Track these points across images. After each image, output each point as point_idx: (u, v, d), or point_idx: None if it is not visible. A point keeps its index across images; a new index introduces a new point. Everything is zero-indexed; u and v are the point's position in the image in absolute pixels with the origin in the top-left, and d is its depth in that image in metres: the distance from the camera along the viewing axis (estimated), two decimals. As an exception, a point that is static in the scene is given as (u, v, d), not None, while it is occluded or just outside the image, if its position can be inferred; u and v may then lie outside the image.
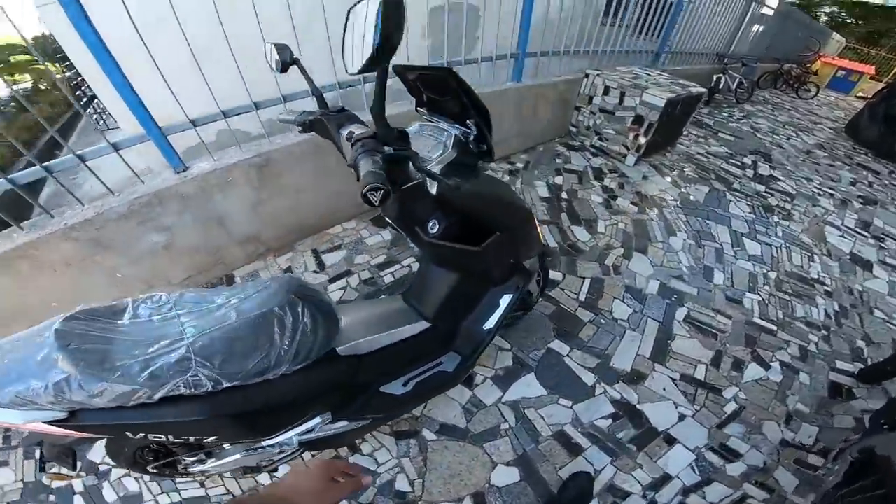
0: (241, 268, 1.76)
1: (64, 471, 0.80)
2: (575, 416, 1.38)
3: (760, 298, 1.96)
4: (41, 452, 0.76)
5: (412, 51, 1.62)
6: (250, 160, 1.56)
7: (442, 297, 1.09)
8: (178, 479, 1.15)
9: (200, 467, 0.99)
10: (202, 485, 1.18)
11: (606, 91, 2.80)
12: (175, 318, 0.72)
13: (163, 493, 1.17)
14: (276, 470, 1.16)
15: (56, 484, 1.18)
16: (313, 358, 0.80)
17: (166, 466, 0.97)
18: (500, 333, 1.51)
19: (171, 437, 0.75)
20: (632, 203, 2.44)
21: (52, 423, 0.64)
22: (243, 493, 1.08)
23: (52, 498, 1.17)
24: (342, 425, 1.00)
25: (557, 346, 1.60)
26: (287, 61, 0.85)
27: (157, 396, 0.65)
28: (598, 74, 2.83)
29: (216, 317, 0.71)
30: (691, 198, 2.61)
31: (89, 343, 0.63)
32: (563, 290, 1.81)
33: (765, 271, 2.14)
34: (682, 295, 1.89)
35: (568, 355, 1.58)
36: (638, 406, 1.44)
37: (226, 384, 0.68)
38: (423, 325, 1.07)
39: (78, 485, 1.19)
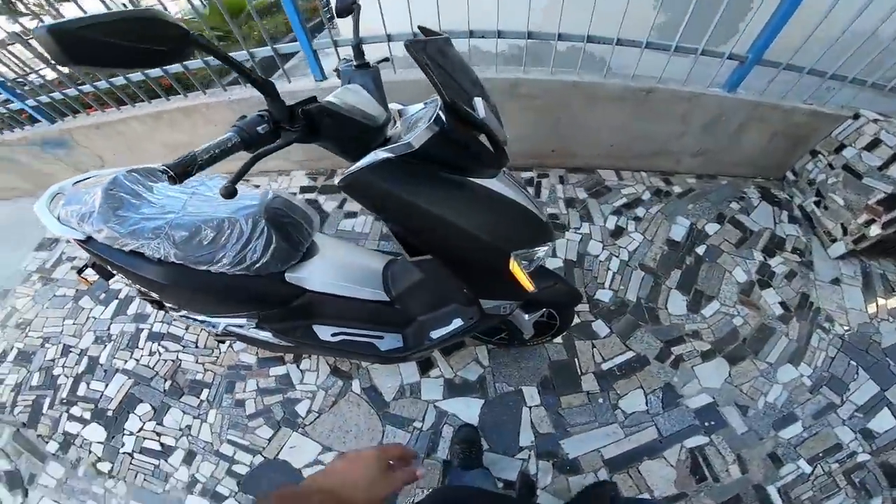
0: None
1: (90, 278, 1.29)
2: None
3: (804, 471, 1.46)
4: (86, 264, 1.27)
5: (630, 21, 1.71)
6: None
7: (408, 284, 1.17)
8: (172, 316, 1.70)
9: (176, 314, 1.45)
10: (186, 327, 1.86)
11: (873, 145, 1.98)
12: (189, 195, 1.09)
13: (162, 322, 1.93)
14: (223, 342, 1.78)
15: (81, 287, 2.09)
16: (256, 272, 1.06)
17: (159, 305, 1.45)
18: (491, 349, 1.66)
19: (137, 287, 1.14)
20: (782, 304, 1.88)
21: (77, 240, 1.12)
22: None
23: (102, 296, 2.09)
24: (265, 335, 1.30)
25: (529, 392, 1.64)
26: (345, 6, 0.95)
27: (127, 248, 1.06)
28: (877, 120, 1.98)
29: (207, 206, 1.05)
30: (875, 337, 1.81)
31: (122, 192, 1.07)
32: (594, 346, 1.75)
33: (860, 450, 1.50)
34: (722, 426, 1.56)
35: (530, 407, 1.61)
36: (538, 490, 1.42)
37: (174, 260, 1.04)
38: (381, 296, 1.17)
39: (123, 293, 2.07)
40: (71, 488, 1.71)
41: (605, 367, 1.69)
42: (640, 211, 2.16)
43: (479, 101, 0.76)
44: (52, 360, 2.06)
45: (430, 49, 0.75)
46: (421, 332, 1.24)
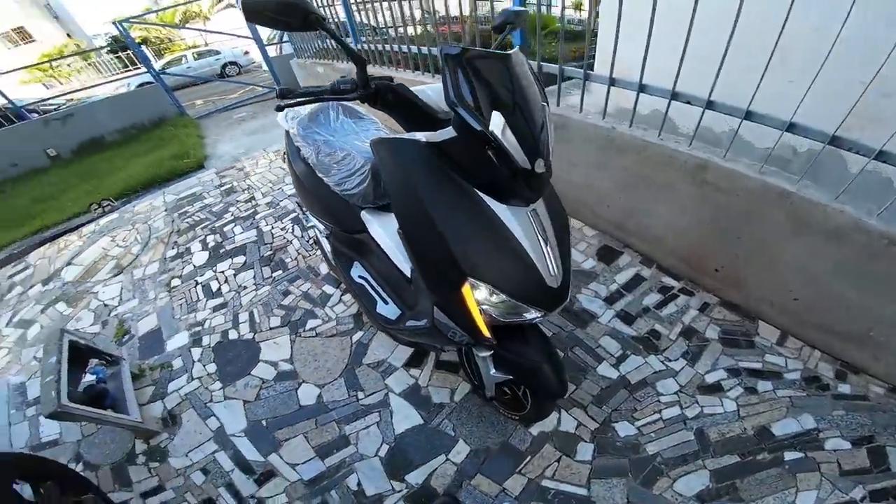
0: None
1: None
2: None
3: None
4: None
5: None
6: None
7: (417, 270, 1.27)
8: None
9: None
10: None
11: None
12: (355, 132, 1.60)
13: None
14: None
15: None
16: (345, 197, 1.42)
17: None
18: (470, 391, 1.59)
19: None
20: None
21: (285, 130, 1.69)
22: None
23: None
24: (327, 247, 1.74)
25: (460, 449, 1.49)
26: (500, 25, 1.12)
27: (297, 144, 1.63)
28: None
29: (356, 140, 1.57)
30: None
31: (321, 112, 1.66)
32: (559, 461, 1.42)
33: None
34: None
35: (448, 459, 1.47)
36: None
37: (312, 161, 1.54)
38: (406, 272, 1.28)
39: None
40: (143, 282, 2.47)
41: (544, 483, 1.38)
42: (764, 385, 1.56)
43: (496, 116, 0.79)
44: (237, 201, 2.98)
45: (474, 62, 0.82)
46: (405, 318, 1.32)
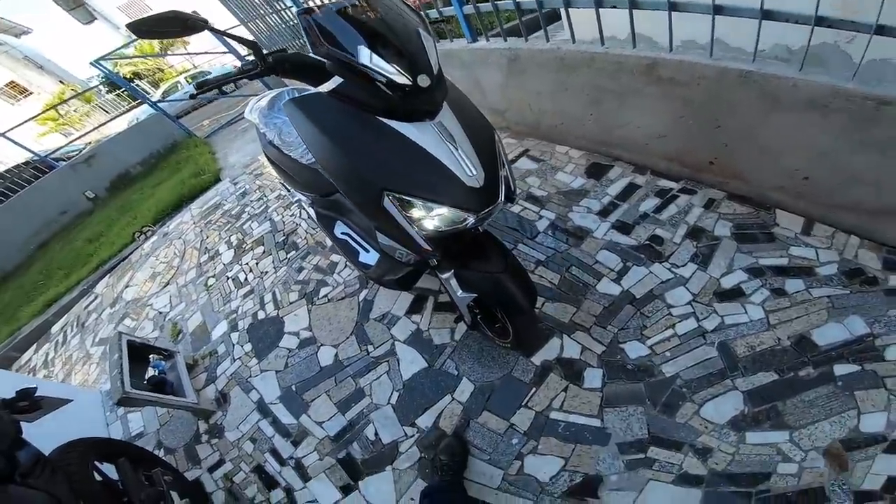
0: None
1: None
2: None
3: None
4: None
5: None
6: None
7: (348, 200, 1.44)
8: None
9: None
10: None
11: None
12: None
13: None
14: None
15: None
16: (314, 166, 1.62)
17: None
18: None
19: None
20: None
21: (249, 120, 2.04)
22: None
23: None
24: (312, 213, 1.97)
25: (464, 388, 1.63)
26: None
27: (262, 130, 1.95)
28: None
29: None
30: None
31: (279, 99, 1.90)
32: (566, 390, 1.50)
33: None
34: None
35: (454, 398, 1.62)
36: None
37: (276, 143, 1.78)
38: None
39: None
40: (186, 287, 2.93)
41: (552, 416, 1.45)
42: (795, 284, 1.46)
43: (361, 49, 0.92)
44: (251, 202, 3.41)
45: (330, 13, 0.97)
46: (382, 261, 1.51)
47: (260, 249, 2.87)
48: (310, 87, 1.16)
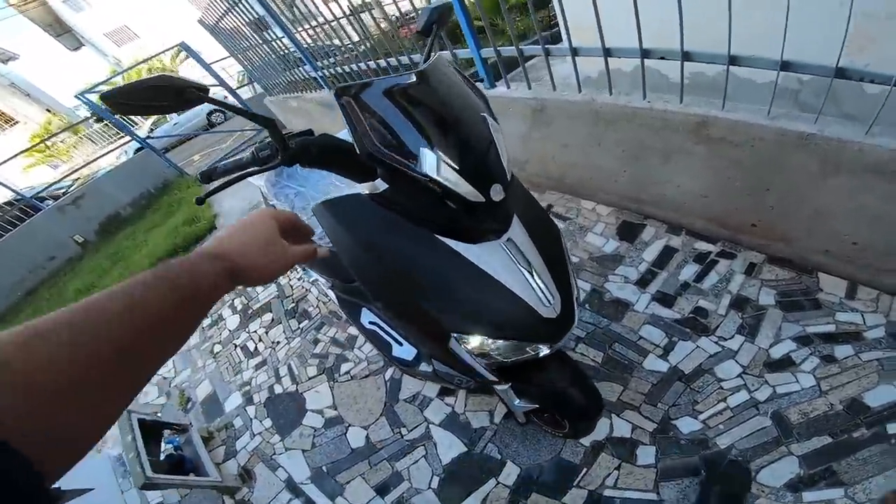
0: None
1: None
2: None
3: None
4: None
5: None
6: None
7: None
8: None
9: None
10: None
11: None
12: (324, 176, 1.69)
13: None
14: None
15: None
16: None
17: None
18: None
19: None
20: None
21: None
22: None
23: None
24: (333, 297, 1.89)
25: (510, 471, 1.60)
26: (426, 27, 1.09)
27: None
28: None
29: (330, 186, 1.63)
30: None
31: None
32: (619, 468, 1.48)
33: None
34: None
35: (499, 483, 1.59)
36: None
37: None
38: None
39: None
40: (189, 352, 2.88)
41: (606, 493, 1.46)
42: (844, 350, 1.51)
43: (425, 153, 0.77)
44: None
45: (379, 95, 0.81)
46: (421, 358, 1.41)
47: (268, 317, 2.84)
48: (344, 173, 0.94)
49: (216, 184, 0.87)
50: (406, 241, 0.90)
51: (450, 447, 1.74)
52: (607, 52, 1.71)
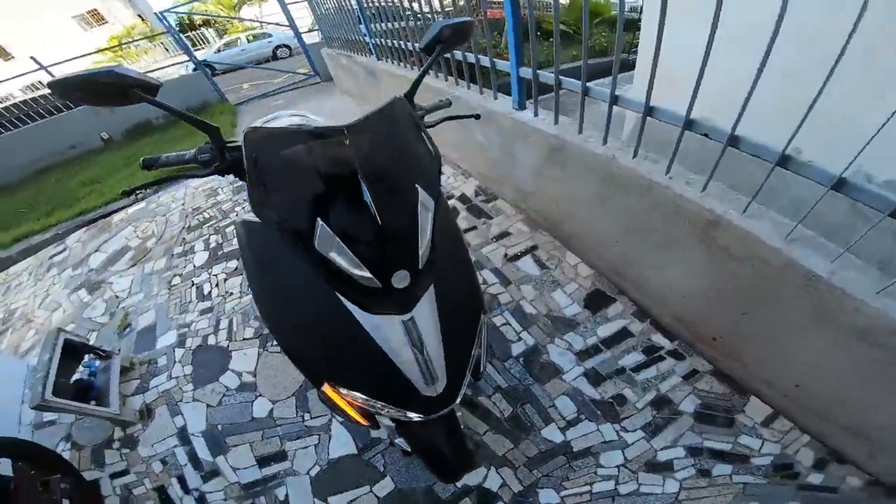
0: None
1: None
2: None
3: None
4: None
5: None
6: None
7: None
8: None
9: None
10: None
11: None
12: None
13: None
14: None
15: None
16: None
17: None
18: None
19: None
20: None
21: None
22: None
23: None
24: None
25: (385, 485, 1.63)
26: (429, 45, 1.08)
27: None
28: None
29: None
30: None
31: None
32: None
33: None
34: None
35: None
36: None
37: None
38: None
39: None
40: (150, 277, 2.99)
41: None
42: (723, 468, 1.56)
43: (321, 227, 0.75)
44: (243, 200, 3.45)
45: (287, 147, 0.78)
46: None
47: (233, 264, 2.91)
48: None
49: (150, 178, 0.92)
50: (305, 285, 0.88)
51: (342, 445, 1.79)
52: (648, 111, 1.54)
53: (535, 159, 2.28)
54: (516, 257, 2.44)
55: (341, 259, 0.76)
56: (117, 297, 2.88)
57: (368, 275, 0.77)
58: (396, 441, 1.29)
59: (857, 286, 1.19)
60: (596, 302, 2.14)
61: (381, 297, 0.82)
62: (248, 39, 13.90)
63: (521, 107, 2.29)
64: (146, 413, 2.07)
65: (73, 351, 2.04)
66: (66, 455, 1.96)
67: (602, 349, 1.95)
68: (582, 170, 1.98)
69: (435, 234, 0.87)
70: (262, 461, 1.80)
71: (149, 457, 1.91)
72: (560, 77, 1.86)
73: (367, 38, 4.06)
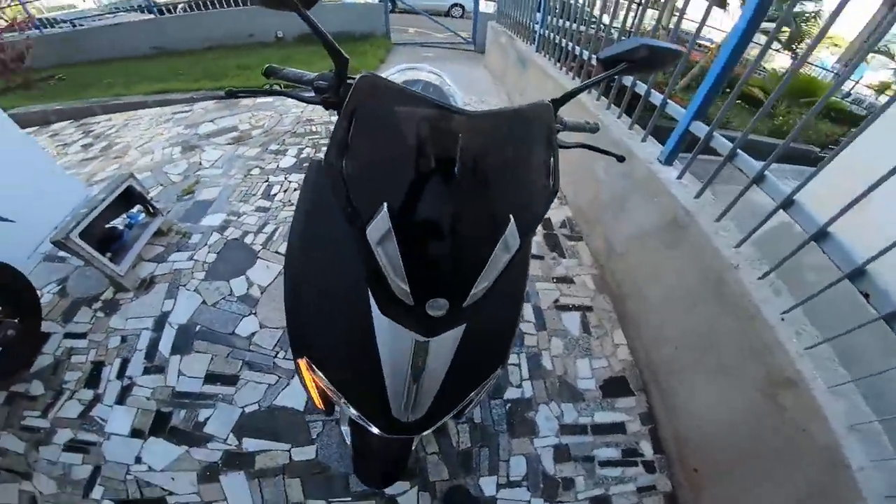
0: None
1: None
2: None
3: None
4: None
5: None
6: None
7: None
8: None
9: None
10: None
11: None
12: None
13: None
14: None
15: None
16: None
17: None
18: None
19: None
20: None
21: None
22: None
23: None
24: None
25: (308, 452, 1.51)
26: None
27: None
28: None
29: None
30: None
31: None
32: None
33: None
34: None
35: None
36: None
37: None
38: None
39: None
40: (237, 159, 3.11)
41: None
42: None
43: (382, 214, 0.62)
44: None
45: (391, 103, 0.67)
46: None
47: (307, 178, 2.96)
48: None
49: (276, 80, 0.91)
50: (336, 254, 0.87)
51: (292, 397, 1.73)
52: (817, 236, 1.19)
53: (647, 223, 1.93)
54: (565, 308, 2.15)
55: (386, 259, 0.64)
56: (200, 164, 3.09)
57: (406, 289, 0.65)
58: (343, 428, 1.26)
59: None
60: (614, 388, 1.87)
61: (408, 310, 0.69)
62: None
63: (668, 162, 1.94)
64: (145, 284, 2.13)
65: (128, 197, 2.17)
66: (47, 298, 2.07)
67: (587, 432, 1.74)
68: (692, 260, 1.64)
69: (500, 277, 0.70)
70: (211, 378, 1.77)
71: (115, 329, 1.94)
72: (736, 150, 1.51)
73: (537, 27, 3.87)
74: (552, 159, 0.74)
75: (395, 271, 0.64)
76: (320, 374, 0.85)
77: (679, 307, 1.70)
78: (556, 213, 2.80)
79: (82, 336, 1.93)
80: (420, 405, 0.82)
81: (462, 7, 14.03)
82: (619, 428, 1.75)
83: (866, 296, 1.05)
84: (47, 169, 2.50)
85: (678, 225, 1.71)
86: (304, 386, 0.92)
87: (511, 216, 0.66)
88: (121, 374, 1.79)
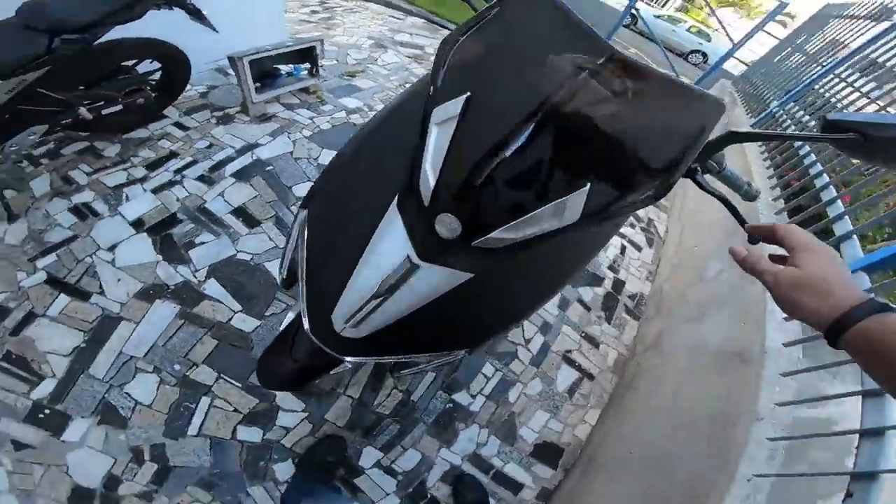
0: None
1: None
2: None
3: None
4: None
5: None
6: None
7: None
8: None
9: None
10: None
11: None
12: None
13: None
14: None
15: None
16: None
17: None
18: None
19: None
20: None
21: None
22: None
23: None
24: None
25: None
26: None
27: None
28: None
29: None
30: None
31: None
32: None
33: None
34: None
35: None
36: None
37: None
38: None
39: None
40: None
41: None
42: None
43: (464, 99, 0.56)
44: None
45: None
46: None
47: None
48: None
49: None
50: (385, 159, 0.89)
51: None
52: None
53: (712, 344, 1.65)
54: (570, 363, 2.00)
55: (432, 142, 0.59)
56: (376, 60, 3.44)
57: (431, 183, 0.59)
58: (288, 316, 1.27)
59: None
60: (544, 453, 1.76)
61: (419, 214, 0.64)
62: (689, 29, 13.51)
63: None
64: (264, 118, 2.39)
65: (306, 54, 2.53)
66: (191, 94, 2.36)
67: (488, 474, 1.66)
68: (721, 401, 1.37)
69: (541, 247, 0.62)
70: (238, 212, 1.90)
71: (211, 136, 2.15)
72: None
73: (774, 103, 3.42)
74: (677, 166, 0.58)
75: (432, 158, 0.58)
76: (305, 234, 0.86)
77: (667, 430, 1.48)
78: (636, 284, 2.56)
79: (185, 128, 2.20)
80: (364, 325, 0.74)
81: (704, 56, 13.06)
82: (515, 488, 1.65)
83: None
84: (273, 10, 2.94)
85: (742, 360, 1.41)
86: (285, 246, 0.96)
87: (588, 185, 0.55)
88: (179, 171, 1.98)
